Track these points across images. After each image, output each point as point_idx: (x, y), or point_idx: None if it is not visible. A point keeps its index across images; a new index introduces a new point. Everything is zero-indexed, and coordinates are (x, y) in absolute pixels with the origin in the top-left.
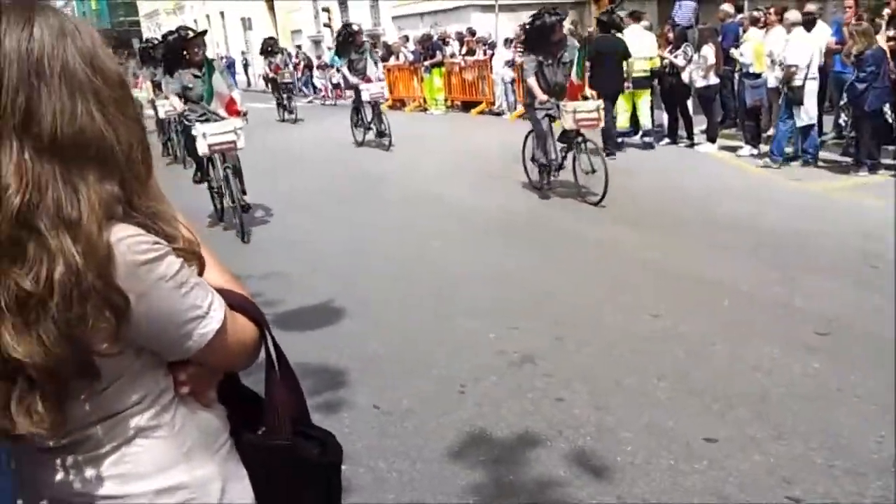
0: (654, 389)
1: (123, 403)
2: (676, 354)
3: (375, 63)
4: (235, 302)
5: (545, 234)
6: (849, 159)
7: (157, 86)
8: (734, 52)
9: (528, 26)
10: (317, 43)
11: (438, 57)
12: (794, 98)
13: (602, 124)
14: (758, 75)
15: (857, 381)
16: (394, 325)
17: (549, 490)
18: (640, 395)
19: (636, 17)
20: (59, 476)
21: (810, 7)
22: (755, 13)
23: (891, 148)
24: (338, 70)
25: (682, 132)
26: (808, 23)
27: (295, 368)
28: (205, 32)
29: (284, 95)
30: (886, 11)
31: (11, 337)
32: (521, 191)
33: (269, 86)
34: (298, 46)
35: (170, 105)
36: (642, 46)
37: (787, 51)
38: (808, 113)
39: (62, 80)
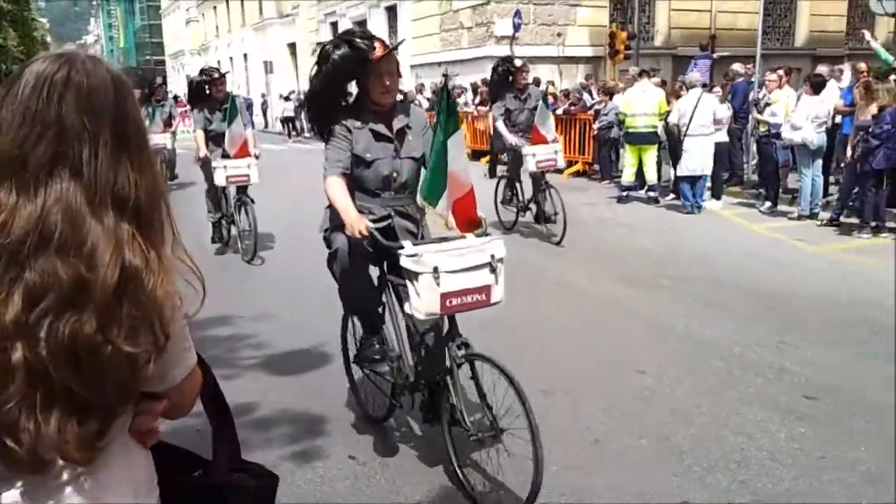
0: (636, 450)
1: None
2: (661, 414)
3: (545, 118)
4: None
5: (541, 285)
6: (855, 220)
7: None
8: (766, 111)
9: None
10: None
11: None
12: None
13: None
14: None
15: (841, 448)
16: None
17: None
18: (620, 456)
19: (647, 73)
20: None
21: (821, 69)
22: (773, 74)
23: (895, 210)
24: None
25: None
26: (819, 85)
27: (274, 414)
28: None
29: None
30: (893, 77)
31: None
32: (518, 241)
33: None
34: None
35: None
36: (647, 102)
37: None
38: (687, 165)
39: (139, 148)
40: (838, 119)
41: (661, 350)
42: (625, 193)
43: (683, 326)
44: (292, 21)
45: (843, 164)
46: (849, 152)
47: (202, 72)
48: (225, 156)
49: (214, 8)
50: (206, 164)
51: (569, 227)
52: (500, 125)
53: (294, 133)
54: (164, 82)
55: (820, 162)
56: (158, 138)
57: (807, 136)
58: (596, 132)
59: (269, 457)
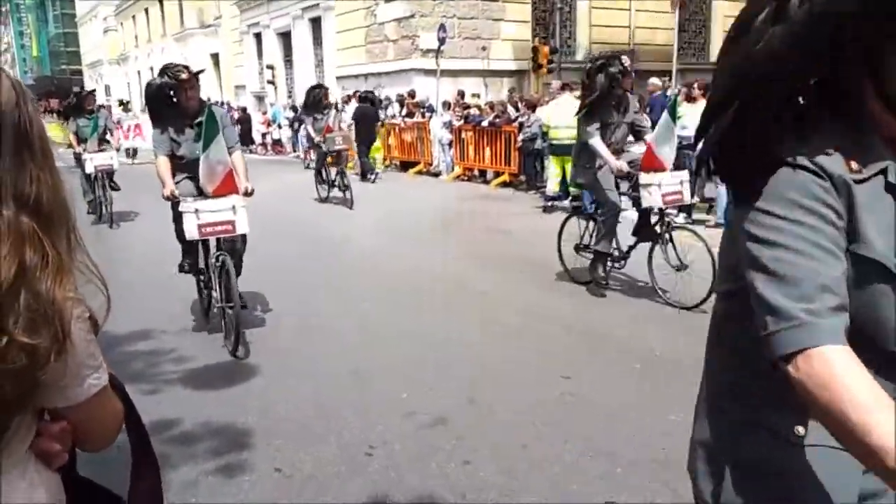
0: (561, 452)
1: None
2: (586, 418)
3: (668, 137)
4: (112, 378)
5: (465, 295)
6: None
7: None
8: (677, 124)
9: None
10: (260, 99)
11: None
12: None
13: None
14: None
15: None
16: (308, 385)
17: None
18: (545, 459)
19: (569, 87)
20: None
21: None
22: (688, 89)
23: None
24: (281, 127)
25: None
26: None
27: (197, 428)
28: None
29: (333, 169)
30: None
31: None
32: (448, 252)
33: (310, 153)
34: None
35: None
36: (568, 114)
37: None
38: None
39: (43, 151)
40: None
41: (584, 355)
42: (550, 203)
43: (605, 331)
44: (215, 31)
45: None
46: None
47: (164, 71)
48: (200, 193)
49: (133, 17)
50: (174, 207)
51: (500, 236)
52: (599, 144)
53: None
54: (91, 91)
55: None
56: (100, 158)
57: None
58: (520, 144)
59: (193, 472)
